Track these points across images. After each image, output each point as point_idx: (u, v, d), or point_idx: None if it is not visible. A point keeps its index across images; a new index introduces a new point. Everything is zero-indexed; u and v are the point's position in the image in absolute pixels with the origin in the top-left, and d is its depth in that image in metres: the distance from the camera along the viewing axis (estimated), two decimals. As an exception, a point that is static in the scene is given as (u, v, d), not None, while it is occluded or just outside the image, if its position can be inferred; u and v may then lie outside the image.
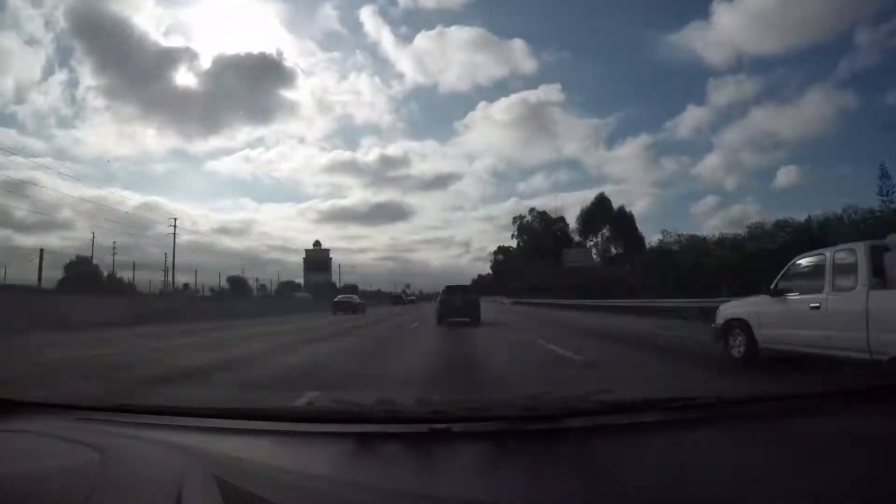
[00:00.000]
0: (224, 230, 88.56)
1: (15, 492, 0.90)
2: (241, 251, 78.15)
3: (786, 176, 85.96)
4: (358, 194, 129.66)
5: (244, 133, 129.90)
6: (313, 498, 0.92)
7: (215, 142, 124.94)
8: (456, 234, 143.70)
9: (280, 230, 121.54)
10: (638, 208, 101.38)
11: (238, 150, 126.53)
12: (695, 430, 1.29)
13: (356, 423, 1.30)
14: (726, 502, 0.91)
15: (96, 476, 0.93)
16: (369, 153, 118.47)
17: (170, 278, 38.55)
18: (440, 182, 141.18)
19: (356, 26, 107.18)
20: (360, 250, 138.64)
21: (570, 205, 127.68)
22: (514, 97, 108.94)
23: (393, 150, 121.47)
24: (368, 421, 1.31)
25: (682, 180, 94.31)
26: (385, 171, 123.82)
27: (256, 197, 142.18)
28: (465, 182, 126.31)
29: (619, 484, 0.99)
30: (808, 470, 1.04)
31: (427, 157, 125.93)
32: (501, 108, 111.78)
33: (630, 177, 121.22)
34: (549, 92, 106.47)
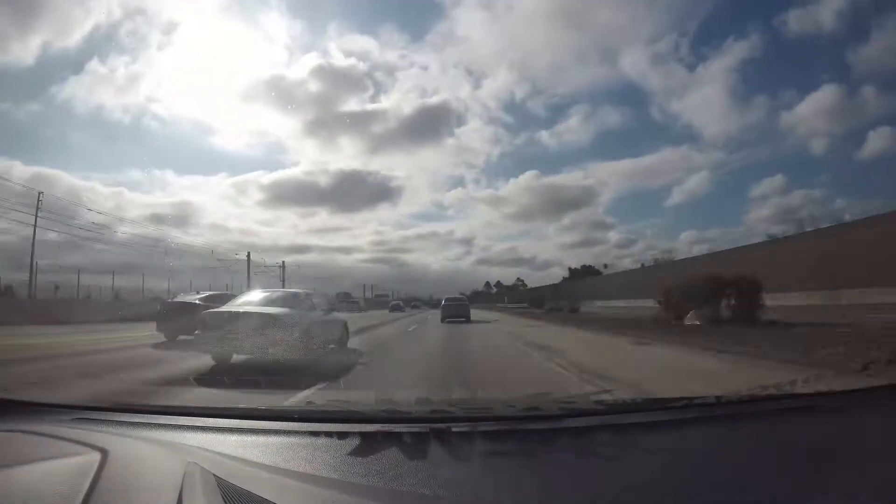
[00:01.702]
0: (158, 218, 59.50)
1: (15, 492, 0.90)
2: (200, 249, 46.91)
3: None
4: (302, 150, 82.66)
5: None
6: (313, 498, 0.92)
7: (36, 40, 61.31)
8: (456, 227, 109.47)
9: (231, 219, 78.47)
10: (690, 186, 72.50)
11: (77, 53, 64.76)
12: (695, 430, 1.29)
13: (356, 423, 1.30)
14: (726, 502, 0.91)
15: (96, 476, 0.93)
16: (294, 60, 73.13)
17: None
18: (427, 124, 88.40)
19: None
20: (343, 250, 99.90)
21: (609, 178, 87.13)
22: None
23: (336, 53, 74.81)
24: (368, 421, 1.31)
25: (762, 139, 65.47)
26: (334, 100, 79.14)
27: (173, 164, 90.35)
28: (468, 129, 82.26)
29: (619, 484, 0.99)
30: (808, 469, 1.04)
31: (398, 73, 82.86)
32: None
33: (701, 127, 75.48)
34: None
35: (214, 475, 0.95)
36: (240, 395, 4.17)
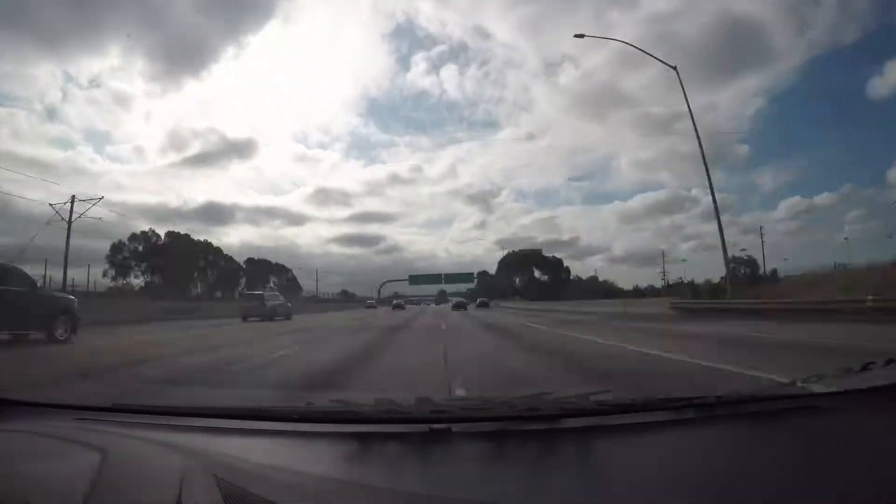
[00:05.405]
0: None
1: (15, 492, 0.90)
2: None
3: None
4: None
5: None
6: (313, 498, 0.92)
7: None
8: (458, 160, 75.04)
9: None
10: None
11: None
12: (695, 430, 1.29)
13: (356, 423, 1.30)
14: (726, 502, 0.91)
15: (96, 476, 0.93)
16: None
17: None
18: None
19: None
20: (282, 216, 73.11)
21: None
22: None
23: None
24: (368, 421, 1.31)
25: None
26: None
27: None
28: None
29: (619, 484, 0.99)
30: (808, 470, 1.04)
31: None
32: None
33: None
34: None
35: (214, 475, 0.95)
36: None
